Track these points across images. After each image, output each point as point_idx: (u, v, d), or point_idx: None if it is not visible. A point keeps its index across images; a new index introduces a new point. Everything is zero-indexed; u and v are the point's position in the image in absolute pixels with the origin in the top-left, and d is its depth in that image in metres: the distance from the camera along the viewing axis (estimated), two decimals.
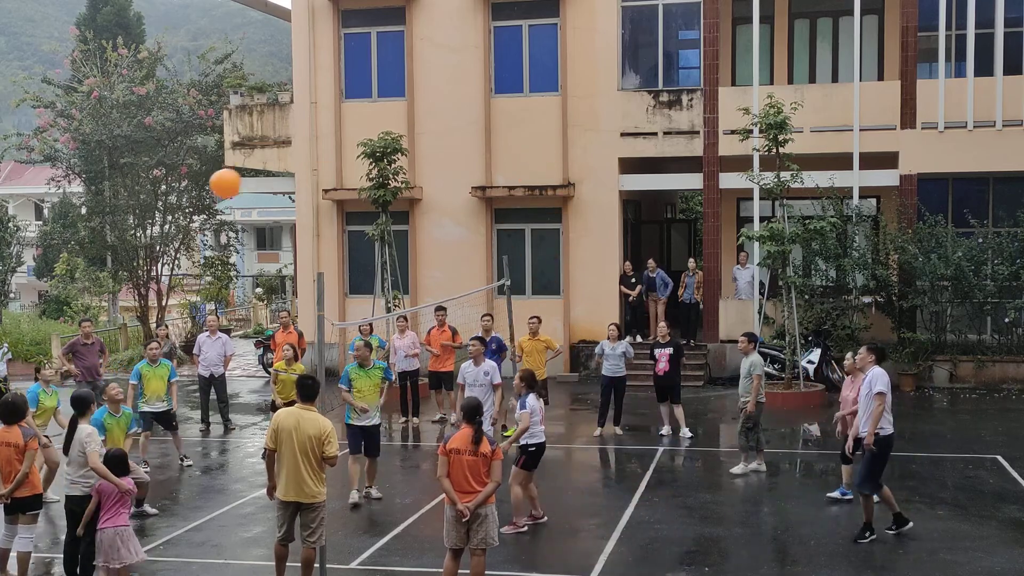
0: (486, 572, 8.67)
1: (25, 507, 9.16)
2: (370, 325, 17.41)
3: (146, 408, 14.09)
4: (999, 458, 13.78)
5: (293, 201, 24.32)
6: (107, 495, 8.67)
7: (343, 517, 11.52)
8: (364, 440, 12.21)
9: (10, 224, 39.03)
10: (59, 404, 12.72)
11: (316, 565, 8.97)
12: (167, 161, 26.65)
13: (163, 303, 29.14)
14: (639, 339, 20.76)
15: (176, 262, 29.81)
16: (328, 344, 10.72)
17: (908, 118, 20.26)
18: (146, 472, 13.68)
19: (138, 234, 28.06)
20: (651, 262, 21.58)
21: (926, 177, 20.51)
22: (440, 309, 17.13)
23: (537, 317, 16.21)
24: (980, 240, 19.80)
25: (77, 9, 52.35)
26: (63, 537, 9.58)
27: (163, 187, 27.85)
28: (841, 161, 20.27)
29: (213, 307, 30.72)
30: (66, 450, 9.06)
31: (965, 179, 21.26)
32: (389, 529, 11.00)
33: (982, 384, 19.58)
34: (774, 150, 18.46)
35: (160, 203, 27.98)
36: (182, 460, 14.42)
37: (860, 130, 20.22)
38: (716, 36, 21.10)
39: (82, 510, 8.83)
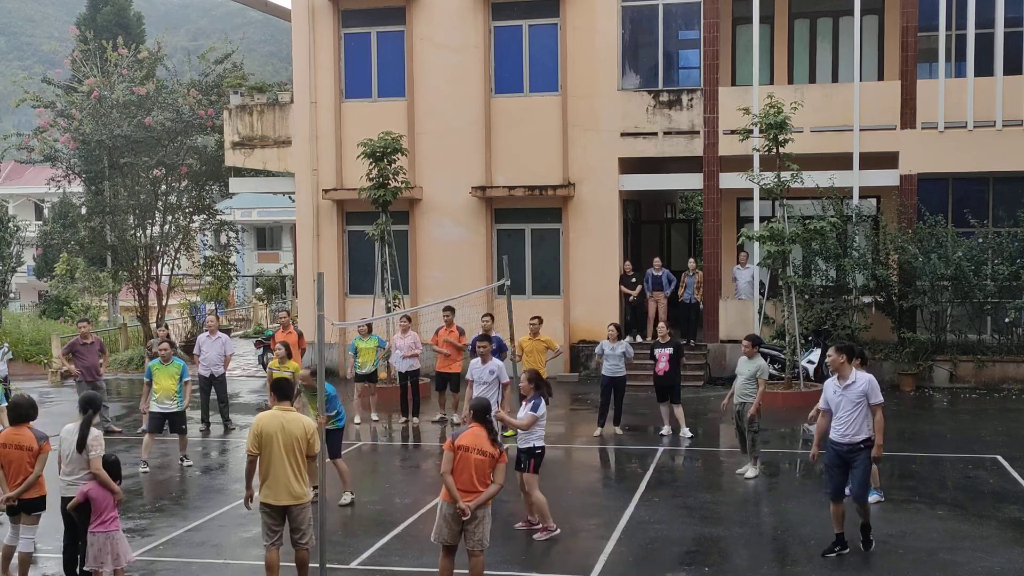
0: (485, 572, 8.68)
1: (30, 508, 9.14)
2: (368, 325, 17.41)
3: (156, 408, 14.16)
4: (999, 458, 13.77)
5: (293, 201, 24.31)
6: (100, 500, 8.65)
7: (343, 517, 11.52)
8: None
9: (10, 224, 39.06)
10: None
11: (316, 565, 8.96)
12: (167, 161, 26.64)
13: (163, 303, 29.14)
14: (639, 339, 20.76)
15: (176, 262, 29.81)
16: (328, 344, 10.70)
17: (908, 118, 20.26)
18: (144, 472, 13.76)
19: (138, 234, 28.05)
20: (656, 261, 21.56)
21: (926, 177, 20.51)
22: (448, 309, 17.00)
23: (538, 317, 16.20)
24: (980, 240, 19.80)
25: (77, 9, 52.35)
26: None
27: (163, 187, 27.85)
28: (841, 161, 20.27)
29: (213, 307, 30.73)
30: (80, 447, 8.90)
31: (965, 179, 21.26)
32: (389, 529, 10.99)
33: (982, 384, 19.58)
34: (774, 150, 18.46)
35: (160, 203, 27.98)
36: (182, 460, 14.42)
37: (860, 130, 20.22)
38: (716, 36, 21.11)
39: (80, 512, 8.82)
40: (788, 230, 18.48)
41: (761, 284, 20.50)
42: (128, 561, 8.92)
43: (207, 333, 17.37)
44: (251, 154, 23.80)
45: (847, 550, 9.76)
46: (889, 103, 20.30)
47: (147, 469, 14.00)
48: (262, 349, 24.17)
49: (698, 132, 21.24)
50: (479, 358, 13.49)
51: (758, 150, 19.25)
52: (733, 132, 19.64)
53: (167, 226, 28.24)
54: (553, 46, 21.90)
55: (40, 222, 50.41)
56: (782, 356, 18.79)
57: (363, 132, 20.72)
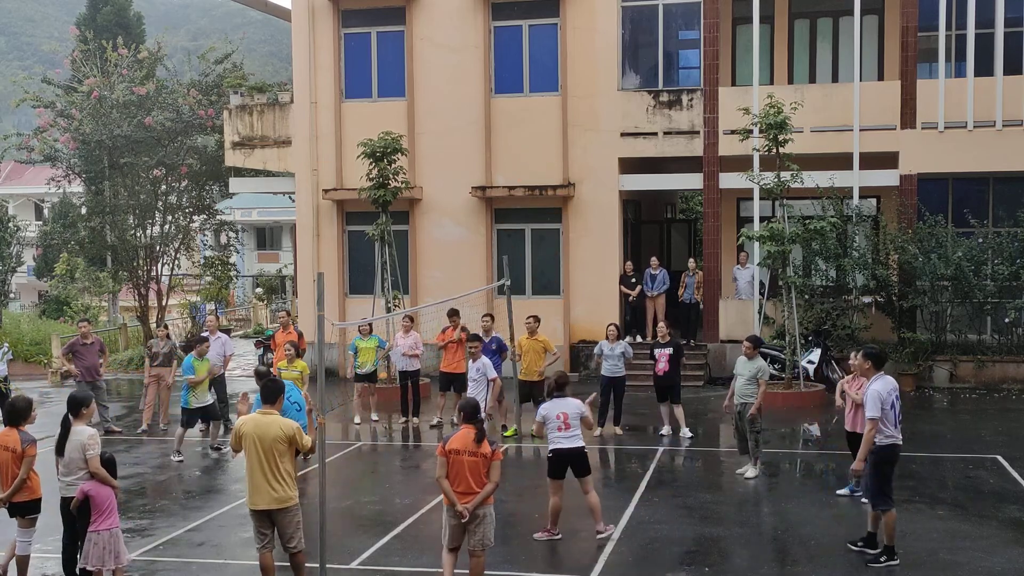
0: (485, 572, 8.68)
1: (23, 511, 9.13)
2: (369, 325, 17.39)
3: (196, 403, 14.88)
4: (999, 458, 13.77)
5: (293, 201, 24.31)
6: (100, 499, 8.64)
7: (343, 517, 11.53)
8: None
9: (10, 224, 39.02)
10: None
11: (316, 565, 8.95)
12: (167, 161, 26.64)
13: (163, 303, 29.14)
14: (639, 339, 20.76)
15: (176, 262, 29.80)
16: (328, 344, 10.71)
17: (908, 118, 20.26)
18: (179, 461, 14.59)
19: (138, 234, 28.05)
20: (654, 260, 21.54)
21: (926, 177, 20.51)
22: (454, 313, 16.85)
23: (535, 316, 16.20)
24: (980, 240, 19.81)
25: (77, 9, 52.32)
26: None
27: (163, 187, 27.85)
28: (841, 161, 20.27)
29: (213, 307, 30.74)
30: (59, 450, 8.88)
31: (965, 179, 21.26)
32: (389, 529, 10.99)
33: (982, 384, 19.58)
34: (774, 150, 18.45)
35: (160, 203, 27.98)
36: (219, 448, 15.11)
37: (860, 130, 20.22)
38: (716, 36, 21.11)
39: (80, 511, 8.80)
40: (788, 230, 18.47)
41: (761, 284, 20.50)
42: (127, 560, 8.93)
43: (207, 333, 17.36)
44: (251, 154, 23.80)
45: (896, 562, 9.59)
46: (889, 103, 20.30)
47: (181, 458, 14.70)
48: (262, 349, 24.14)
49: (698, 132, 21.24)
50: (471, 358, 14.43)
51: (758, 150, 19.24)
52: (733, 132, 19.63)
53: (167, 226, 28.24)
54: (553, 46, 21.90)
55: (40, 222, 50.39)
56: (782, 356, 18.79)
57: (363, 132, 20.72)
